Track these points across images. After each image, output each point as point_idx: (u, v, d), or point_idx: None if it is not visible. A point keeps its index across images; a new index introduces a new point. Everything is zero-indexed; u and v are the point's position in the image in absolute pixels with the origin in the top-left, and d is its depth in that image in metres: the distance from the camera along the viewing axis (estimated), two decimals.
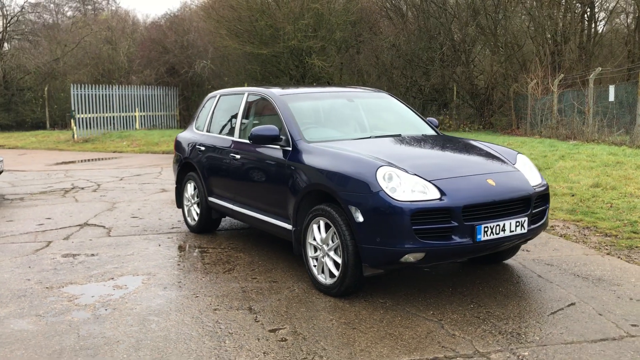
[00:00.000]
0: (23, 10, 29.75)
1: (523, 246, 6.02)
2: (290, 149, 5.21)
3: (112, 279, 5.25)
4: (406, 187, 4.30)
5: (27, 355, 3.70)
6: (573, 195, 8.53)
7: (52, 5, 43.47)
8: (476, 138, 19.03)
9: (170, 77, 26.29)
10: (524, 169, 4.93)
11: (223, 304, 4.55)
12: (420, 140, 5.44)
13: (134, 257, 5.96)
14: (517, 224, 4.47)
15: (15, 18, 29.89)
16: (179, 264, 5.68)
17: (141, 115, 24.35)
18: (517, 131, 21.86)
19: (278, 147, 5.35)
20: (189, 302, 4.60)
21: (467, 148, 5.24)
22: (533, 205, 4.63)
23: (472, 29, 25.12)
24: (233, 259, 5.81)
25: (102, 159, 16.79)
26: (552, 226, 6.98)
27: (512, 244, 4.80)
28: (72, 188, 10.82)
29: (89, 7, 47.18)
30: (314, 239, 4.82)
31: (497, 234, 4.36)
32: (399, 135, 5.57)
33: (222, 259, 5.82)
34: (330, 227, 4.62)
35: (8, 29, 29.59)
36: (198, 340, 3.90)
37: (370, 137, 5.42)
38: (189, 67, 25.77)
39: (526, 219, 4.53)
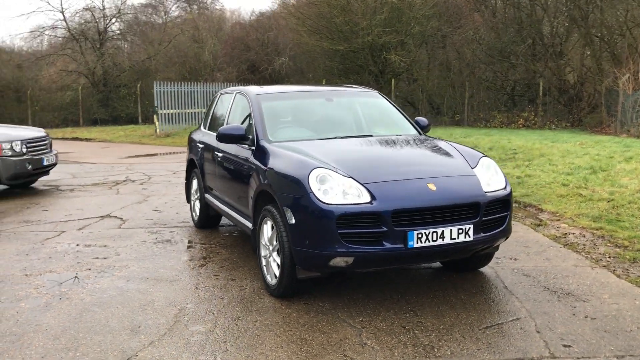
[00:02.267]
0: (120, 12, 31.68)
1: (512, 254, 5.68)
2: (254, 148, 5.24)
3: (89, 269, 5.52)
4: (339, 190, 4.19)
5: None
6: (609, 201, 7.88)
7: (160, 5, 46.09)
8: (554, 135, 18.14)
9: (251, 74, 27.03)
10: (485, 173, 4.63)
11: (166, 300, 4.65)
12: (385, 142, 5.24)
13: (125, 249, 6.23)
14: (461, 231, 4.21)
15: (114, 19, 31.97)
16: (158, 258, 5.86)
17: None
18: (608, 130, 20.39)
19: (246, 146, 5.39)
20: (137, 296, 4.75)
21: (427, 150, 5.01)
22: (484, 212, 4.35)
23: (562, 20, 23.74)
24: (212, 255, 5.92)
25: (173, 152, 17.55)
26: (564, 234, 6.51)
27: (468, 253, 4.54)
28: (124, 181, 11.43)
29: (195, 6, 49.44)
30: (264, 239, 4.81)
31: (434, 241, 4.14)
32: (369, 136, 5.42)
33: (202, 255, 5.95)
34: (274, 228, 4.60)
35: (108, 29, 31.67)
36: (117, 333, 4.02)
37: (335, 138, 5.30)
38: (268, 65, 26.35)
39: (472, 226, 4.26)
